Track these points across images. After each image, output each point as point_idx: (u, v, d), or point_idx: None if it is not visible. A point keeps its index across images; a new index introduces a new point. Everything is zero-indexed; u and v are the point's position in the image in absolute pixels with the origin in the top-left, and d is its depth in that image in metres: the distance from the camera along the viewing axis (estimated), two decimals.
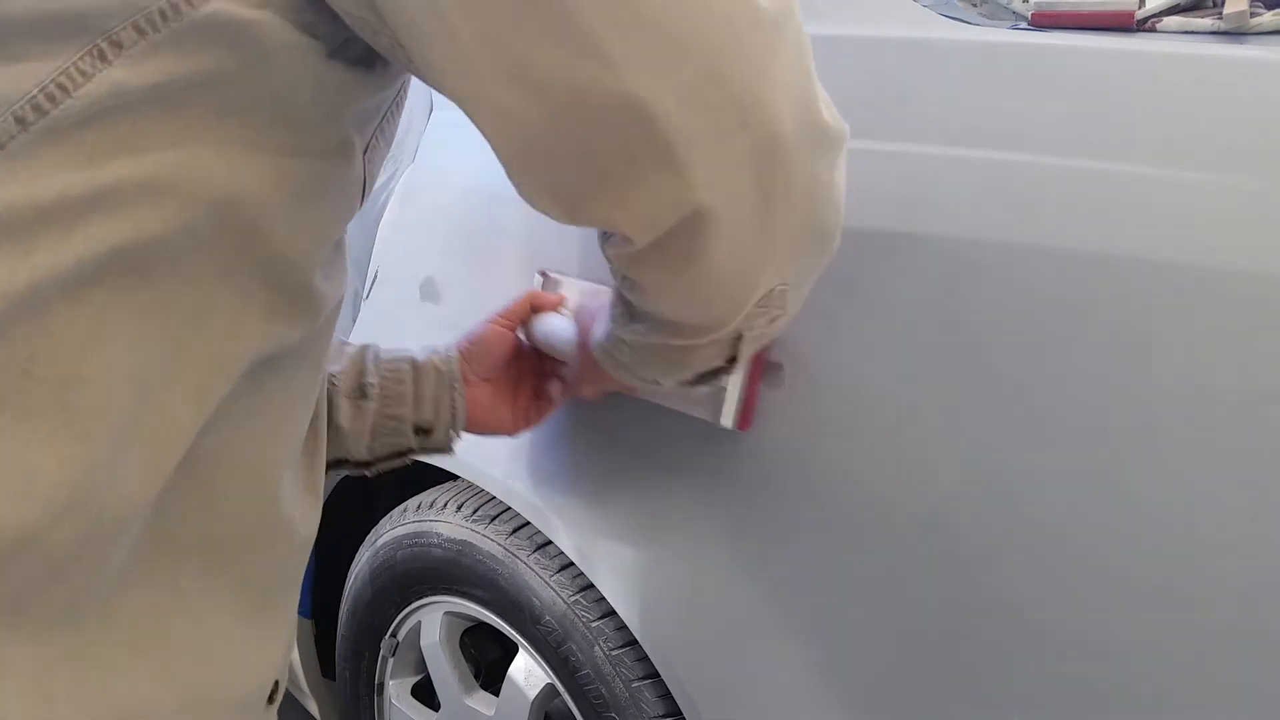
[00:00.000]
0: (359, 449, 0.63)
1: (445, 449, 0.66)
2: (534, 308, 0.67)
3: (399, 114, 0.47)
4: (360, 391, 0.62)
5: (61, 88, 0.32)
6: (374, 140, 0.43)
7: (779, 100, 0.35)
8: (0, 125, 0.31)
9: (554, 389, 0.68)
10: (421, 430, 0.64)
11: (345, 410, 0.61)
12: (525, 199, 0.39)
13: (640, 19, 0.32)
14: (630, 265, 0.42)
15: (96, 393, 0.34)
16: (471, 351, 0.65)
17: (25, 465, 0.32)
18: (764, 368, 0.58)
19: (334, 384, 0.61)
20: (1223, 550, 0.44)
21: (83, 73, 0.32)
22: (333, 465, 0.63)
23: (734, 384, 0.58)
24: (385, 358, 0.63)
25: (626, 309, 0.50)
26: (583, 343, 0.60)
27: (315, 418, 0.49)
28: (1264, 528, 0.42)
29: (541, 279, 0.72)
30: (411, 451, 0.65)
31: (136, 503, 0.36)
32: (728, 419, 0.59)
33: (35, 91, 0.31)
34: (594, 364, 0.57)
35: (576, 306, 0.66)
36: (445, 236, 0.78)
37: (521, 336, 0.67)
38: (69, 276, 0.32)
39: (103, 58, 0.32)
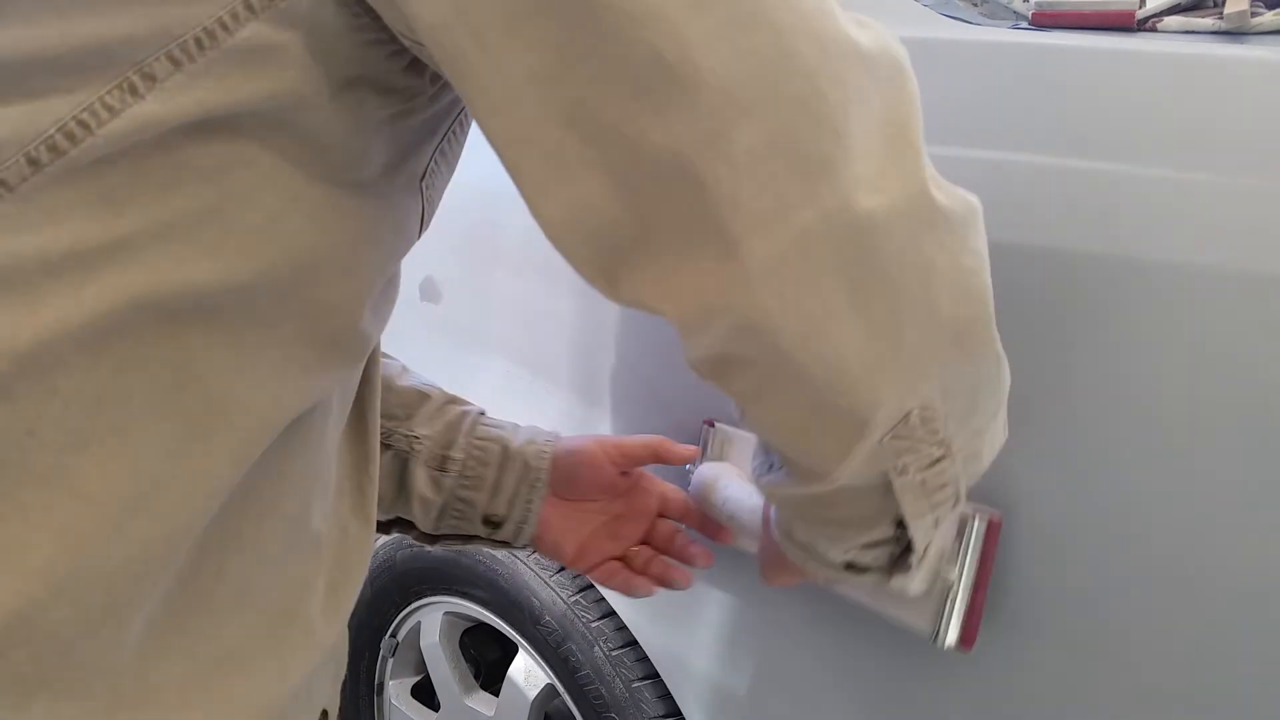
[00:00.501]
0: (426, 520, 0.59)
1: (513, 546, 0.60)
2: (657, 456, 0.59)
3: (462, 136, 0.42)
4: (440, 464, 0.57)
5: (83, 125, 0.29)
6: (433, 164, 0.39)
7: (863, 169, 0.30)
8: (12, 167, 0.28)
9: (662, 569, 0.60)
10: (490, 522, 0.58)
11: (421, 478, 0.57)
12: (567, 260, 0.34)
13: (699, 68, 0.28)
14: (705, 372, 0.35)
15: (106, 457, 0.31)
16: (564, 463, 0.59)
17: (22, 536, 0.29)
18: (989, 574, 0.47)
19: (416, 447, 0.57)
20: (1223, 550, 0.44)
21: (109, 108, 0.29)
22: (397, 525, 0.60)
23: (956, 587, 0.47)
24: (479, 434, 0.59)
25: (761, 449, 0.42)
26: (766, 521, 0.50)
27: (367, 434, 0.45)
28: (1264, 528, 0.42)
29: (707, 430, 0.61)
30: (478, 539, 0.60)
31: (153, 572, 0.32)
32: (949, 632, 0.48)
33: (53, 130, 0.29)
34: (778, 549, 0.47)
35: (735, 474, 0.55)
36: (445, 236, 0.78)
37: (687, 486, 0.59)
38: (81, 332, 0.29)
39: (133, 91, 0.29)
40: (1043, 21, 0.55)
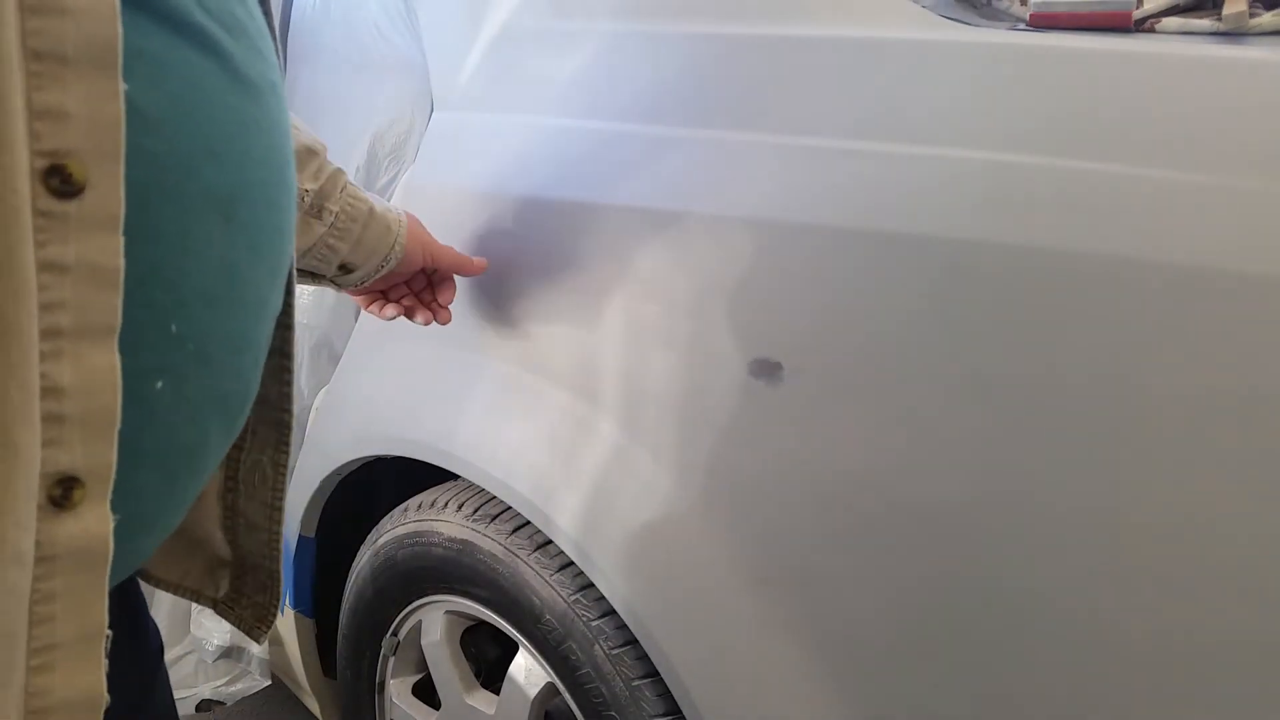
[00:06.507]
0: None
1: (342, 288, 0.72)
2: (459, 271, 0.77)
3: None
4: (317, 213, 0.65)
5: None
6: None
7: None
8: None
9: (411, 304, 0.77)
10: (344, 269, 0.69)
11: (299, 223, 0.64)
12: None
13: None
14: None
15: None
16: (412, 245, 0.71)
17: None
18: None
19: (306, 199, 0.64)
20: (1222, 550, 0.43)
21: None
22: None
23: None
24: (350, 191, 0.67)
25: None
26: None
27: None
28: (1264, 528, 0.42)
29: None
30: (323, 280, 0.71)
31: None
32: None
33: None
34: None
35: None
36: (445, 236, 0.79)
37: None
38: None
39: None
40: (1040, 22, 0.55)
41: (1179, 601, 0.45)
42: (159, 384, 0.33)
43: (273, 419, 0.49)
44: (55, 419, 0.28)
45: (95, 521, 0.30)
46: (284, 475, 0.50)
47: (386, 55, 0.97)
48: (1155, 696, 0.46)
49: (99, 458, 0.29)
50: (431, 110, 0.89)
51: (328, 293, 1.05)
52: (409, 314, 0.76)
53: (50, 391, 0.28)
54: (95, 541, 0.30)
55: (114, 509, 0.30)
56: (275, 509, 0.51)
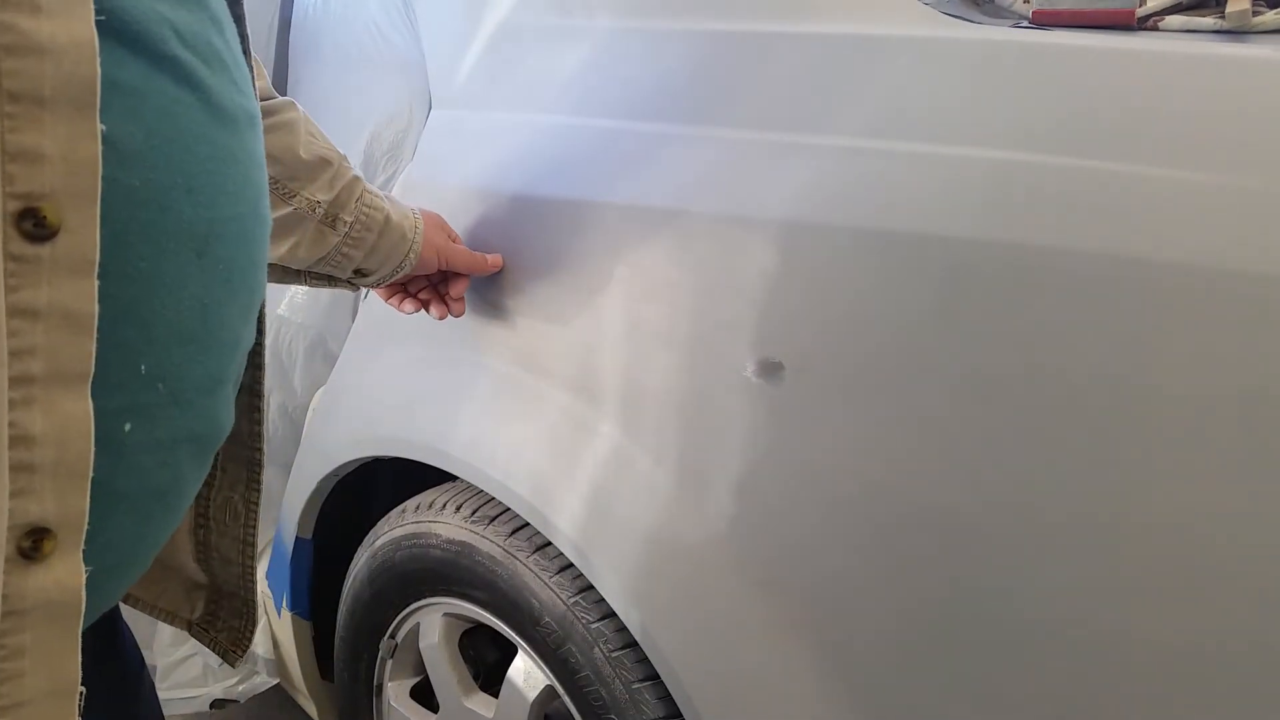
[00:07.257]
0: (301, 263, 0.68)
1: (368, 286, 0.75)
2: (473, 271, 0.77)
3: None
4: (331, 222, 0.66)
5: None
6: None
7: None
8: None
9: (428, 296, 0.79)
10: (360, 273, 0.71)
11: (312, 232, 0.65)
12: None
13: None
14: None
15: None
16: (427, 251, 0.72)
17: None
18: None
19: (317, 210, 0.65)
20: (1222, 550, 0.43)
21: None
22: (271, 270, 0.66)
23: None
24: (366, 201, 0.68)
25: None
26: None
27: None
28: (1264, 528, 0.42)
29: None
30: (339, 283, 0.73)
31: None
32: None
33: None
34: None
35: None
36: None
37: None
38: None
39: None
40: (1043, 20, 0.55)
41: (1184, 604, 0.45)
42: (127, 426, 0.32)
43: (244, 457, 0.48)
44: (25, 468, 0.27)
45: (66, 573, 0.28)
46: (256, 512, 0.49)
47: (384, 54, 0.97)
48: (1158, 698, 0.46)
49: (71, 507, 0.28)
50: (429, 108, 0.89)
51: (323, 292, 1.05)
52: (426, 307, 0.77)
53: (20, 440, 0.27)
54: (67, 594, 0.29)
55: (85, 558, 0.29)
56: (248, 544, 0.49)
